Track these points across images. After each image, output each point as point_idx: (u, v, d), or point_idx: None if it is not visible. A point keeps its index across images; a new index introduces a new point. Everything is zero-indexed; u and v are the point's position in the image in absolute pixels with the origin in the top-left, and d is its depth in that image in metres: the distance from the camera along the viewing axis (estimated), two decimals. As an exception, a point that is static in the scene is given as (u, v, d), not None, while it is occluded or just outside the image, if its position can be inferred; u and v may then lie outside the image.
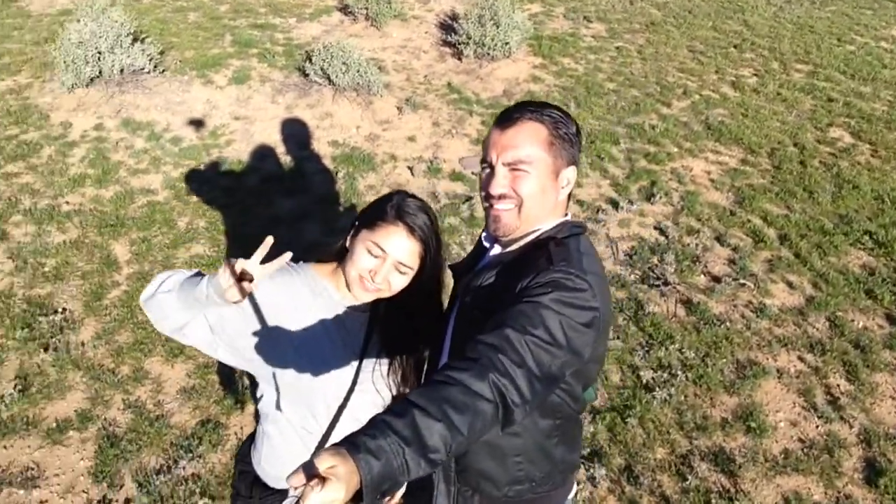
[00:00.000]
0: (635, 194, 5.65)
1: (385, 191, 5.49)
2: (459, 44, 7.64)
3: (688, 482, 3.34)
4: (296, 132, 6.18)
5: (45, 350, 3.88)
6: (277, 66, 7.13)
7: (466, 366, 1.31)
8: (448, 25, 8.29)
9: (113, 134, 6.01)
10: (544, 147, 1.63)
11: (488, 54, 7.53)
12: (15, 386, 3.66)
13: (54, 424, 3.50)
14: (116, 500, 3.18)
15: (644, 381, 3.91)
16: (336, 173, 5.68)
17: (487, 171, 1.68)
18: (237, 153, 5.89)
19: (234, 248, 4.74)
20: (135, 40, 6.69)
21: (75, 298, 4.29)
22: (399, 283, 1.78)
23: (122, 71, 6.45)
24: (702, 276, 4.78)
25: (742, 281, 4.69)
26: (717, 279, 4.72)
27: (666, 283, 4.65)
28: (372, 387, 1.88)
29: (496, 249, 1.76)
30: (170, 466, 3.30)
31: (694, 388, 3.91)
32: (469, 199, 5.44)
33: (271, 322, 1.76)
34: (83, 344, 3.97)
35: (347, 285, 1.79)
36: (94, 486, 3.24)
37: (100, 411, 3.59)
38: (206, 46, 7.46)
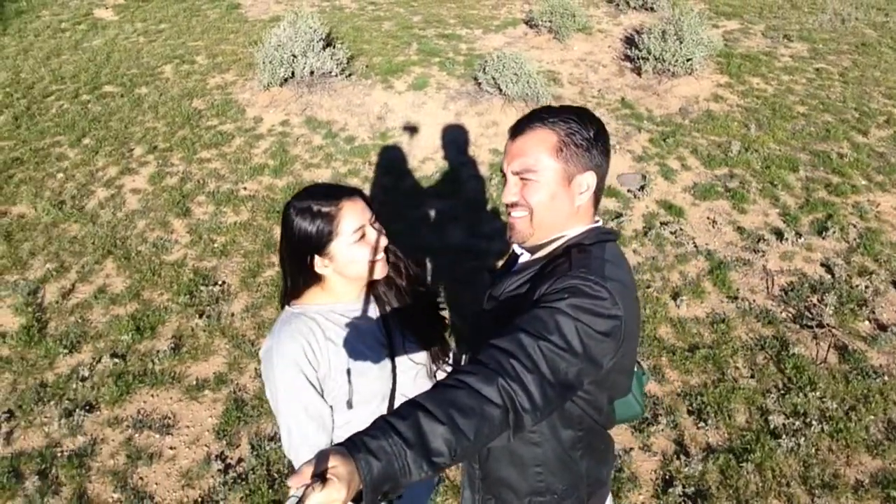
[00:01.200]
0: (805, 227, 5.20)
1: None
2: (639, 59, 7.46)
3: (800, 541, 3.04)
4: (459, 138, 6.36)
5: (200, 316, 4.33)
6: (455, 75, 7.37)
7: (476, 370, 1.30)
8: (632, 40, 8.11)
9: (296, 130, 6.54)
10: (552, 154, 1.59)
11: (668, 70, 7.28)
12: (170, 345, 4.11)
13: (194, 382, 3.90)
14: (231, 458, 3.48)
15: (772, 426, 3.60)
16: (490, 180, 5.78)
17: (504, 180, 1.68)
18: (402, 155, 6.17)
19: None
20: (327, 45, 7.23)
21: (234, 273, 4.74)
22: (382, 229, 1.86)
23: (311, 73, 7.00)
24: (866, 322, 4.30)
25: (914, 332, 4.17)
26: (883, 327, 4.23)
27: (821, 326, 4.24)
28: (410, 362, 1.95)
29: (525, 256, 1.74)
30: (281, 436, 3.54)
31: (830, 441, 3.54)
32: (619, 215, 5.31)
33: (327, 365, 1.84)
34: (233, 315, 4.38)
35: (361, 279, 1.88)
36: (215, 441, 3.57)
37: (234, 376, 3.94)
38: (393, 54, 7.88)
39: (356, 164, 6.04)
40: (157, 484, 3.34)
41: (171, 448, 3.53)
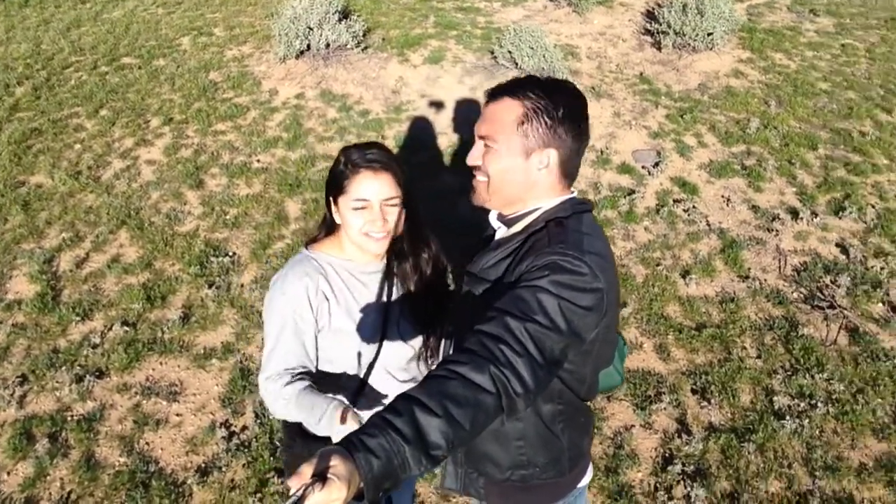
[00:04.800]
0: (822, 206, 5.12)
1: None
2: (659, 33, 7.33)
3: (798, 521, 3.04)
4: (474, 113, 6.28)
5: (210, 287, 4.38)
6: (472, 49, 7.31)
7: (466, 358, 1.31)
8: (653, 14, 7.97)
9: (310, 103, 6.55)
10: (514, 126, 1.60)
11: (689, 45, 7.15)
12: (179, 314, 4.17)
13: (202, 351, 3.96)
14: (235, 426, 3.54)
15: (776, 406, 3.59)
16: (503, 155, 5.74)
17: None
18: (416, 130, 6.15)
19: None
20: (343, 18, 7.20)
21: (245, 245, 4.78)
22: (395, 215, 1.88)
23: (327, 46, 6.97)
24: (879, 304, 4.24)
25: (927, 314, 4.11)
26: (896, 309, 4.18)
27: (832, 307, 4.19)
28: (399, 338, 1.97)
29: (501, 231, 1.74)
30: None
31: (835, 424, 3.51)
32: (632, 192, 5.26)
33: (326, 313, 1.92)
34: (242, 286, 4.43)
35: (359, 248, 1.93)
36: (220, 409, 3.63)
37: (241, 346, 3.99)
38: (410, 27, 7.83)
39: (370, 137, 6.03)
40: (162, 449, 3.41)
41: (177, 415, 3.60)
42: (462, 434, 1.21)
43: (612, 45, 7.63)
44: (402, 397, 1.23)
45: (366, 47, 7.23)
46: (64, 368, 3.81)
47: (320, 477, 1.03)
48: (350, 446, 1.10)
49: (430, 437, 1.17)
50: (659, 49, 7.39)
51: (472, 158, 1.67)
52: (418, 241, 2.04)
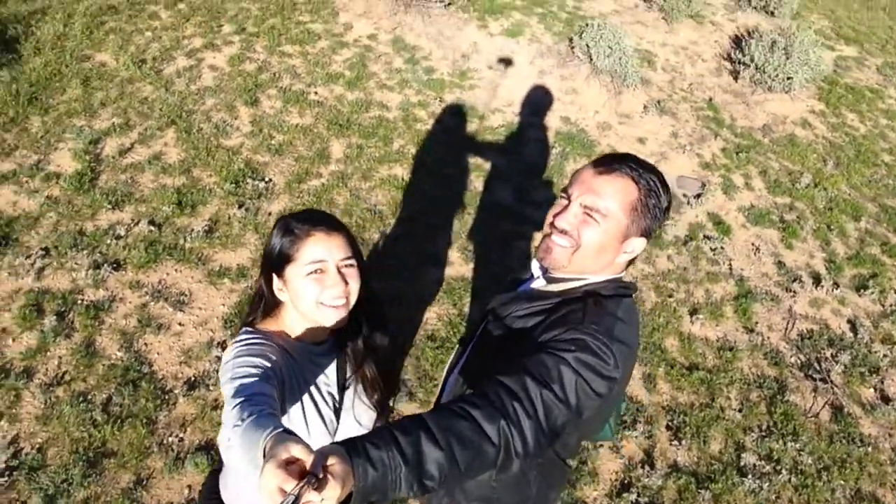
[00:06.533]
0: (846, 279, 5.10)
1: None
2: (740, 63, 7.21)
3: (729, 580, 3.14)
4: (536, 97, 6.30)
5: (240, 207, 4.49)
6: (552, 31, 7.24)
7: (482, 404, 1.34)
8: (741, 41, 7.81)
9: (381, 47, 6.56)
10: (625, 208, 1.59)
11: (766, 83, 7.02)
12: (204, 227, 4.30)
13: (217, 268, 4.09)
14: (222, 341, 3.67)
15: (742, 462, 3.67)
16: (552, 148, 5.75)
17: (564, 202, 1.66)
18: (475, 100, 6.16)
19: (426, 180, 5.04)
20: (434, -31, 7.14)
21: (282, 174, 4.88)
22: (354, 277, 1.72)
23: (411, -7, 6.95)
24: (871, 389, 4.27)
25: (915, 415, 4.12)
26: (887, 399, 4.20)
27: (825, 381, 4.22)
28: (354, 422, 1.87)
29: (539, 283, 1.75)
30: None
31: (793, 493, 3.59)
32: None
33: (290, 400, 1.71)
34: (270, 213, 4.54)
35: (313, 322, 1.73)
36: (221, 329, 3.78)
37: (255, 273, 4.11)
38: (498, -7, 7.75)
39: (428, 96, 6.06)
40: (158, 354, 3.58)
41: (179, 324, 3.75)
42: (455, 473, 1.24)
43: (690, 62, 7.51)
44: (414, 419, 1.27)
45: (449, 3, 7.18)
46: (85, 252, 3.97)
47: (314, 475, 1.05)
48: (352, 450, 1.13)
49: (427, 466, 1.20)
50: (735, 79, 7.28)
51: (566, 223, 1.61)
52: (371, 312, 1.87)
